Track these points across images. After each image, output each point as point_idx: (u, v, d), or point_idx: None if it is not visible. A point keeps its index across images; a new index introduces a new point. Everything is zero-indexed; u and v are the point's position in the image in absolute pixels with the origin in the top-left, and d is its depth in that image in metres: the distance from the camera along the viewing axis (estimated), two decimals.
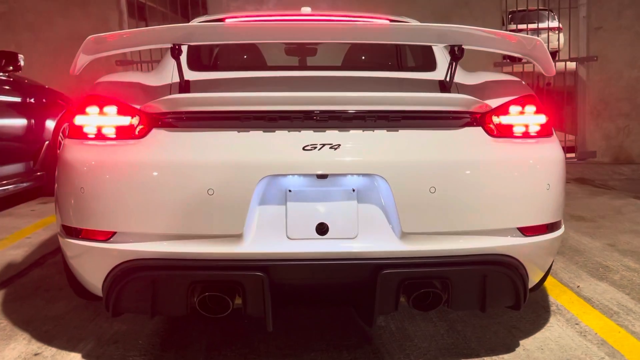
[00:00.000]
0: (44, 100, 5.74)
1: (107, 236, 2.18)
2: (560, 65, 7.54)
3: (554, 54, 8.67)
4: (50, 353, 2.47)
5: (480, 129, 2.27)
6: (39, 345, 2.54)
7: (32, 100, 5.53)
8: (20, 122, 5.32)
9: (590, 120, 7.58)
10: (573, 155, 7.57)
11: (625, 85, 7.51)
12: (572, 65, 7.62)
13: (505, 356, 2.41)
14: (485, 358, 2.39)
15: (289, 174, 2.16)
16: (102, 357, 2.43)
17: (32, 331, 2.68)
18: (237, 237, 2.12)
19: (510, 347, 2.48)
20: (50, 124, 5.71)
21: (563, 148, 7.56)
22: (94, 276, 2.26)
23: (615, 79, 7.49)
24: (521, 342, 2.53)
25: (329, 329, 2.64)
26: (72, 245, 2.27)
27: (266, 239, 2.14)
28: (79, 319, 2.79)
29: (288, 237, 2.14)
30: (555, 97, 7.76)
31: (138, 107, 2.24)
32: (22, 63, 5.30)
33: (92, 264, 2.26)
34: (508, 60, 7.69)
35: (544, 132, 2.36)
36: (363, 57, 3.14)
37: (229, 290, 2.16)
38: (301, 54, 3.82)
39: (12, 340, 2.59)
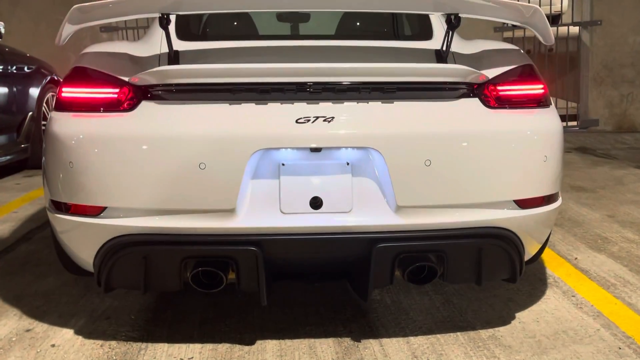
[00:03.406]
0: (26, 69, 5.71)
1: (98, 211, 2.22)
2: (563, 29, 7.53)
3: (557, 17, 8.63)
4: (42, 329, 2.53)
5: (476, 99, 2.30)
6: (30, 321, 2.60)
7: (13, 69, 5.51)
8: (1, 93, 5.31)
9: (593, 88, 7.61)
10: (575, 123, 7.61)
11: (630, 50, 7.52)
12: (575, 29, 7.61)
13: (501, 329, 2.49)
14: (481, 331, 2.47)
15: (282, 148, 2.19)
16: (94, 332, 2.50)
17: (22, 307, 2.74)
18: (230, 211, 2.17)
19: (506, 320, 2.56)
20: (33, 94, 5.70)
21: (565, 116, 7.55)
22: (84, 252, 2.31)
23: (620, 44, 7.50)
24: (517, 314, 2.61)
25: (324, 303, 2.71)
26: (61, 221, 2.31)
27: (259, 213, 2.19)
28: (70, 295, 2.85)
29: (281, 212, 2.19)
30: (557, 64, 7.77)
31: (126, 79, 2.26)
32: (2, 31, 5.26)
33: (82, 240, 2.31)
34: (510, 25, 7.66)
35: (542, 102, 2.40)
36: (358, 25, 3.15)
37: (222, 265, 2.21)
38: (294, 19, 3.82)
39: (2, 317, 2.65)
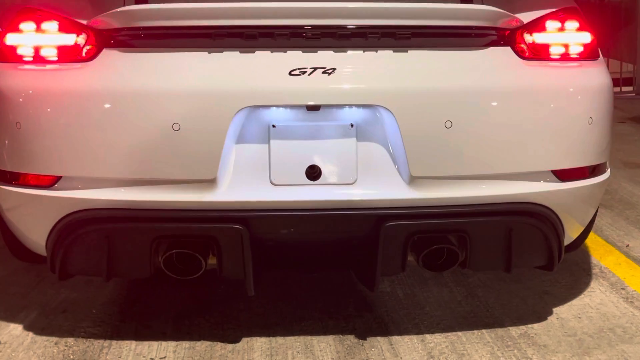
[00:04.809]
0: None
1: (51, 182, 2.23)
2: None
3: None
4: None
5: (508, 49, 2.30)
6: None
7: None
8: None
9: None
10: (630, 89, 7.59)
11: None
12: None
13: (535, 326, 2.51)
14: (510, 328, 2.49)
15: (272, 105, 2.20)
16: (48, 328, 2.52)
17: None
18: (210, 182, 2.18)
19: (542, 316, 2.59)
20: None
21: (618, 80, 7.48)
22: (35, 231, 2.33)
23: None
24: (555, 309, 2.63)
25: (323, 295, 2.74)
26: (7, 194, 2.32)
27: (245, 184, 2.20)
28: (19, 285, 2.88)
29: (272, 183, 2.20)
30: (610, 15, 7.72)
31: (85, 22, 2.26)
32: None
33: (33, 217, 2.32)
34: None
35: (588, 53, 2.40)
36: None
37: (201, 246, 2.23)
38: None
39: None
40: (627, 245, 3.29)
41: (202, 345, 2.39)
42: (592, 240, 3.27)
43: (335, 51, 2.20)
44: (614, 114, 2.50)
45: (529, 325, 2.51)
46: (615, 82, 7.23)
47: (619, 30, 7.75)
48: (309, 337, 2.43)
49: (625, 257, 3.14)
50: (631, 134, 5.84)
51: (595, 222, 2.89)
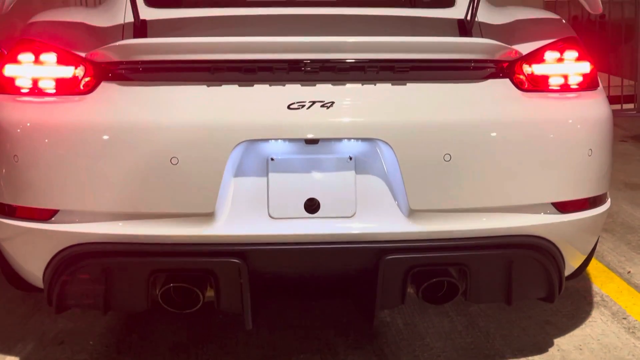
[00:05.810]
0: None
1: (48, 215, 2.24)
2: None
3: None
4: None
5: (507, 81, 2.32)
6: None
7: None
8: None
9: None
10: (632, 106, 7.61)
11: None
12: None
13: (536, 358, 2.52)
14: None
15: (271, 139, 2.21)
16: None
17: None
18: (208, 216, 2.19)
19: (542, 347, 2.59)
20: None
21: (619, 97, 7.43)
22: (33, 264, 2.33)
23: None
24: (555, 340, 2.64)
25: (322, 326, 2.74)
26: (5, 227, 2.33)
27: (243, 218, 2.21)
28: (16, 315, 2.88)
29: (270, 216, 2.21)
30: (611, 33, 7.76)
31: (83, 54, 2.27)
32: None
33: (30, 249, 2.33)
34: None
35: (587, 84, 2.41)
36: None
37: (199, 280, 2.24)
38: None
39: None
40: (629, 272, 3.30)
41: None
42: (593, 267, 3.28)
43: (333, 84, 2.22)
44: (613, 142, 2.51)
45: (530, 358, 2.52)
46: (616, 99, 7.30)
47: (620, 47, 7.79)
48: None
49: (627, 285, 3.15)
50: (633, 153, 5.84)
51: (597, 247, 2.89)
